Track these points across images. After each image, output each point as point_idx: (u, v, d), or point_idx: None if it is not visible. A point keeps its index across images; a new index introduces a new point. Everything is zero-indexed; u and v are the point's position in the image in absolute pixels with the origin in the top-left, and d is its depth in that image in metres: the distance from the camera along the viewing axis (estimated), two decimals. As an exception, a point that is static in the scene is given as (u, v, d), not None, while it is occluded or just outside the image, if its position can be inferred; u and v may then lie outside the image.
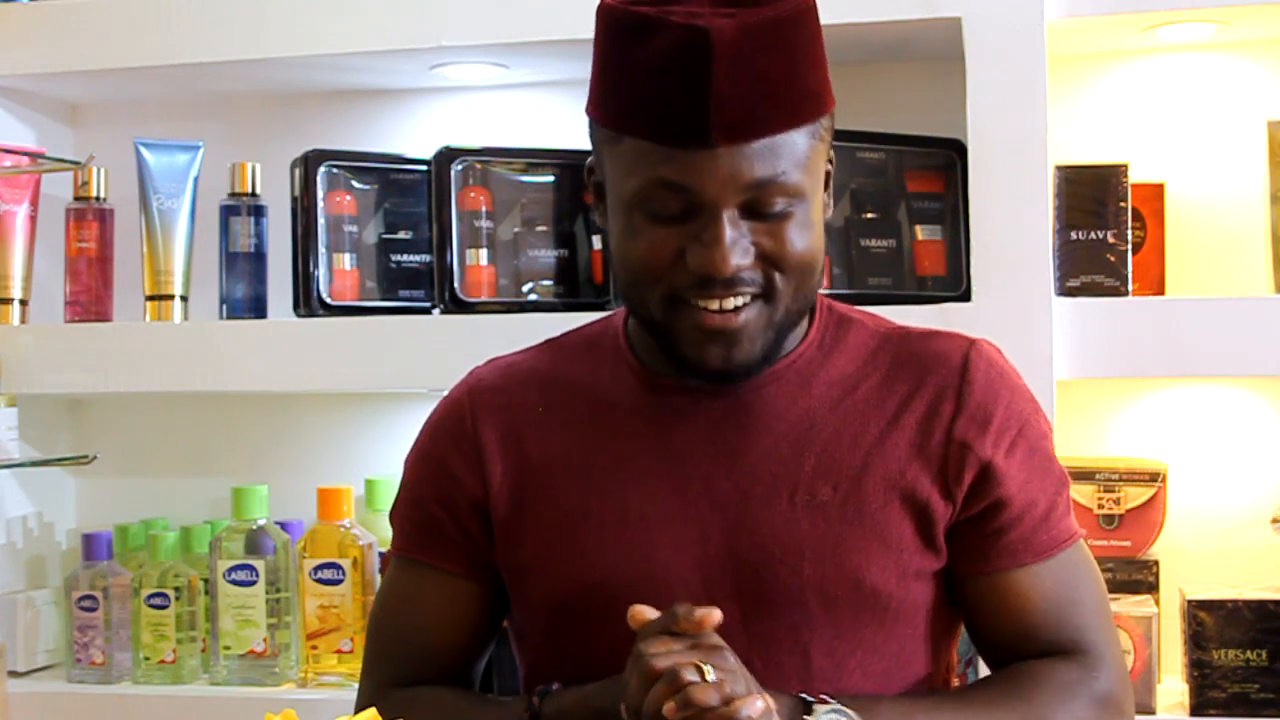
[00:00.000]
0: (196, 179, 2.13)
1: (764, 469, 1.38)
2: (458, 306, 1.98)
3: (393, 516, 1.52)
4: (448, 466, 1.46)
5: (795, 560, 1.35)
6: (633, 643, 1.26)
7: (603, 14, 1.35)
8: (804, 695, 1.30)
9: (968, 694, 1.42)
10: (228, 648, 2.05)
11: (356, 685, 1.99)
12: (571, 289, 2.03)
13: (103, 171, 2.17)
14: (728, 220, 1.29)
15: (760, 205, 1.30)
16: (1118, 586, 1.90)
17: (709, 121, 1.26)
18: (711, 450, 1.39)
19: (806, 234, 1.33)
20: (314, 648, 2.01)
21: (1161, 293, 1.97)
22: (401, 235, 2.07)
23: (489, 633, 1.50)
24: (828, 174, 1.38)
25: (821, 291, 1.86)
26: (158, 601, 2.07)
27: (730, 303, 1.32)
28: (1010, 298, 1.80)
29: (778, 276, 1.32)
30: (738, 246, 1.30)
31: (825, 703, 1.29)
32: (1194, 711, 1.81)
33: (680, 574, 1.37)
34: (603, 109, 1.35)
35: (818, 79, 1.33)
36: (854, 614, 1.36)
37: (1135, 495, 1.91)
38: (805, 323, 1.44)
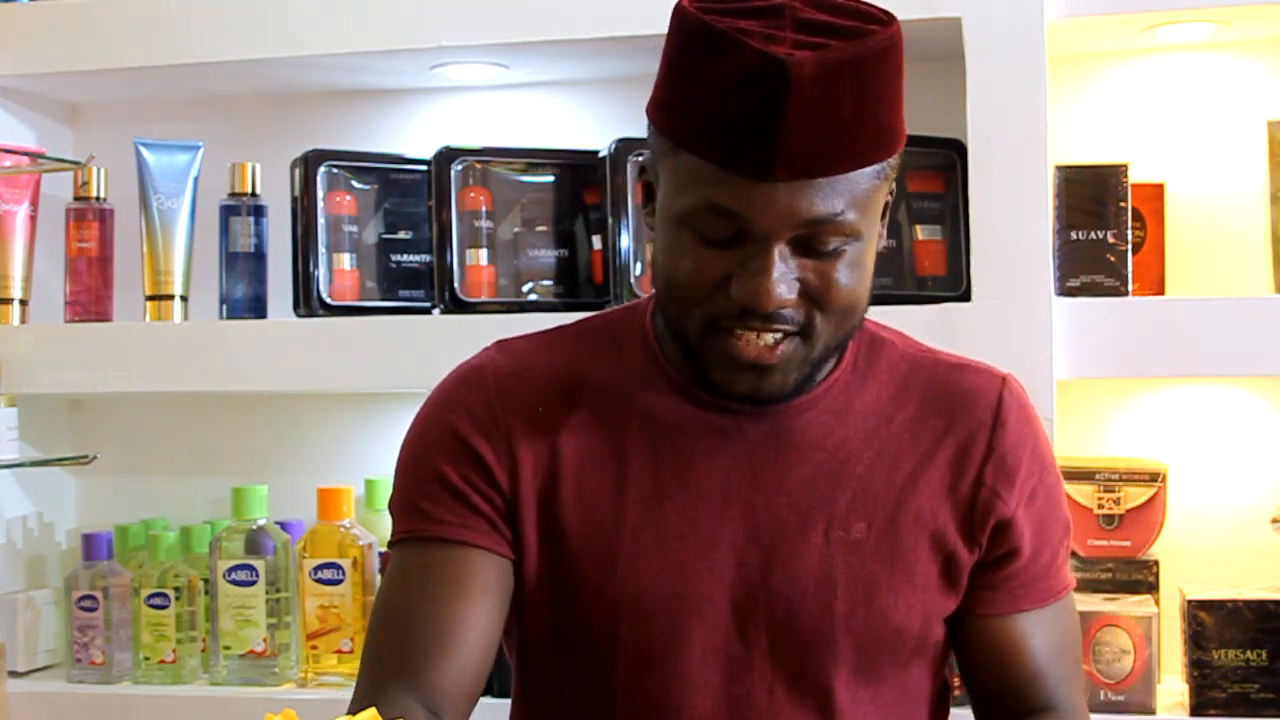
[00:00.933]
0: (196, 179, 2.13)
1: (801, 499, 1.35)
2: (458, 306, 1.98)
3: (393, 504, 1.40)
4: (470, 445, 1.36)
5: (828, 597, 1.33)
6: (660, 659, 1.23)
7: (676, 16, 1.26)
8: None
9: None
10: (228, 648, 2.05)
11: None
12: (571, 289, 2.03)
13: (103, 171, 2.17)
14: (778, 254, 1.23)
15: (813, 243, 1.24)
16: (1118, 586, 1.90)
17: (774, 156, 1.19)
18: (750, 476, 1.35)
19: (856, 274, 1.27)
20: (314, 648, 2.01)
21: (1161, 293, 1.97)
22: (401, 235, 2.07)
23: (498, 628, 1.38)
24: (886, 204, 1.31)
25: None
26: (158, 601, 2.07)
27: (768, 338, 1.27)
28: (1010, 298, 1.80)
29: (818, 316, 1.27)
30: (784, 282, 1.24)
31: None
32: (1194, 711, 1.81)
33: (712, 599, 1.34)
34: (663, 117, 1.27)
35: (892, 116, 1.25)
36: (878, 652, 1.35)
37: (1135, 495, 1.91)
38: None
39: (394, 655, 1.34)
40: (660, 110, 1.28)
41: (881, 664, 1.36)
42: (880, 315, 1.55)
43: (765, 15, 1.21)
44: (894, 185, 1.31)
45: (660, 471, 1.35)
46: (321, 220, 2.01)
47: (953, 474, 1.37)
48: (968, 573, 1.38)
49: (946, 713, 1.45)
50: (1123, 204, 1.86)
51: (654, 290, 1.35)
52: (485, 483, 1.35)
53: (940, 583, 1.37)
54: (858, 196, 1.23)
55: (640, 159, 1.39)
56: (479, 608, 1.33)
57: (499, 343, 1.43)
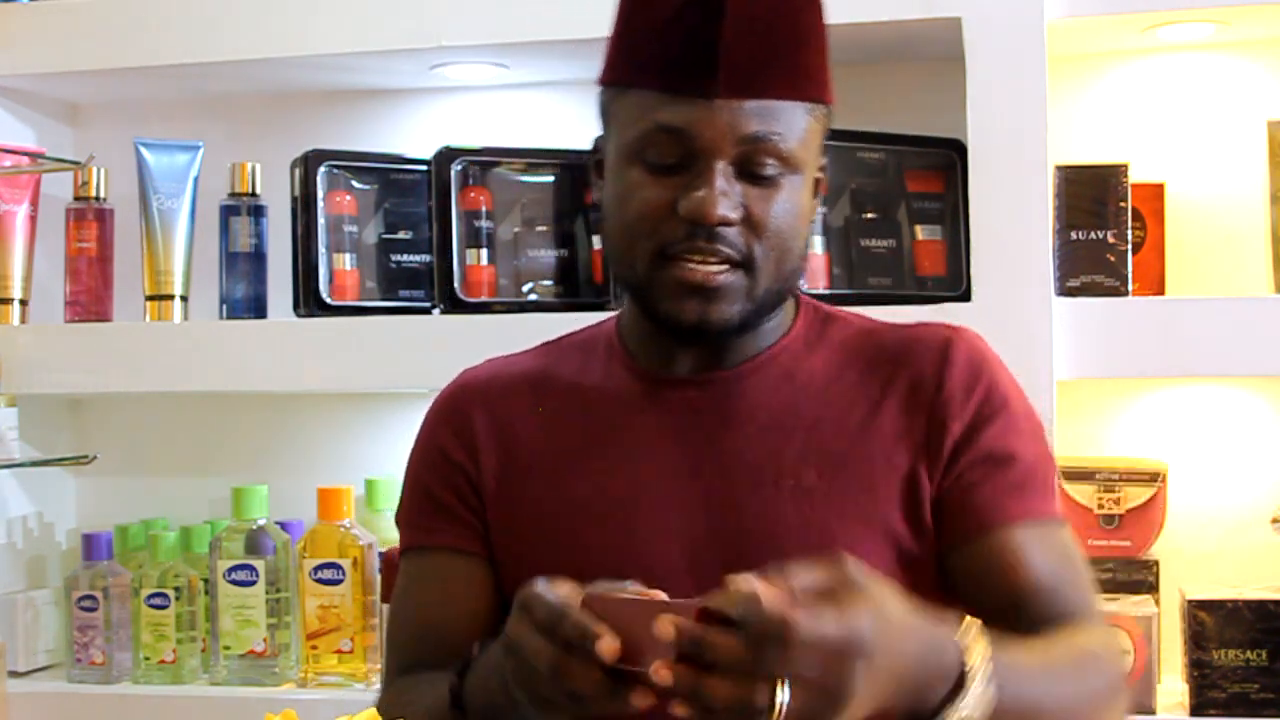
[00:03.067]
0: (196, 179, 2.13)
1: (748, 456, 1.40)
2: (458, 306, 1.98)
3: (399, 519, 1.55)
4: (445, 452, 1.50)
5: (782, 545, 1.35)
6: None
7: None
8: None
9: (1039, 644, 1.33)
10: (228, 648, 2.05)
11: (356, 685, 2.02)
12: (571, 289, 2.03)
13: (103, 171, 2.17)
14: (720, 172, 1.33)
15: (753, 164, 1.34)
16: (1118, 586, 1.90)
17: (716, 72, 1.32)
18: (695, 437, 1.42)
19: (792, 210, 1.37)
20: (314, 648, 2.01)
21: (1161, 293, 1.97)
22: (401, 235, 2.07)
23: (500, 611, 1.47)
24: (818, 180, 1.42)
25: (821, 291, 1.87)
26: (158, 601, 2.07)
27: (712, 265, 1.35)
28: (1010, 298, 1.80)
29: (758, 247, 1.35)
30: (727, 199, 1.33)
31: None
32: (1194, 711, 1.81)
33: (667, 560, 1.38)
34: (612, 68, 1.41)
35: (819, 65, 1.38)
36: None
37: (1135, 495, 1.91)
38: (790, 318, 1.47)
39: (398, 654, 1.52)
40: (611, 65, 1.41)
41: None
42: (880, 315, 1.55)
43: None
44: (825, 160, 1.43)
45: (605, 446, 1.44)
46: (321, 220, 2.01)
47: (904, 414, 1.40)
48: (931, 509, 1.38)
49: None
50: (1123, 204, 1.86)
51: (607, 253, 1.46)
52: (468, 488, 1.48)
53: (904, 523, 1.38)
54: (793, 128, 1.35)
55: (594, 141, 1.47)
56: (463, 604, 1.48)
57: (480, 365, 1.56)
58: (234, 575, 2.04)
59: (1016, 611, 1.38)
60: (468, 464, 1.49)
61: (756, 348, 1.45)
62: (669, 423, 1.43)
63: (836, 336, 1.47)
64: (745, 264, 1.36)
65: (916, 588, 1.38)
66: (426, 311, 2.05)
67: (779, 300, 1.42)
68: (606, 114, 1.43)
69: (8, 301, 2.14)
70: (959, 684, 1.16)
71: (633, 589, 1.20)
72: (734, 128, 1.33)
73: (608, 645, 1.13)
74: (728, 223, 1.34)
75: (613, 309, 1.92)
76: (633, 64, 1.38)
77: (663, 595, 1.18)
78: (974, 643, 1.18)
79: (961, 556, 1.40)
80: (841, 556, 1.14)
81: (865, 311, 1.54)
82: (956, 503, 1.39)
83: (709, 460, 1.41)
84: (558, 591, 1.17)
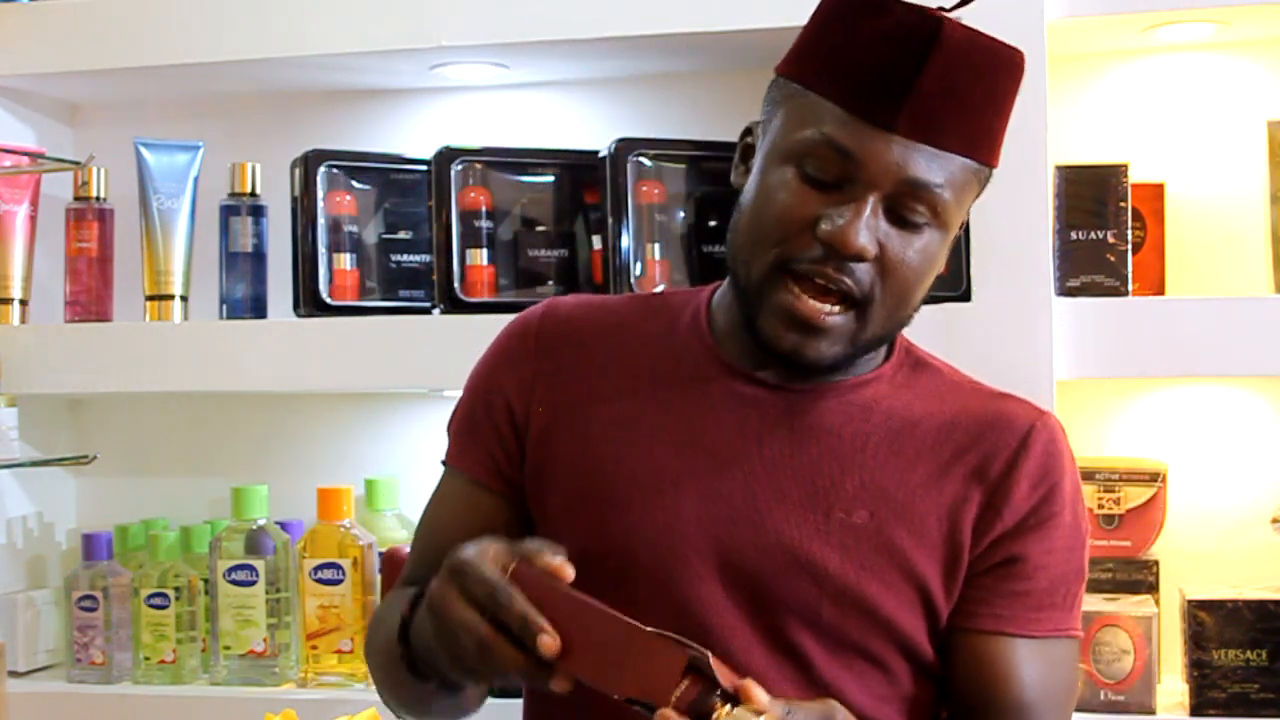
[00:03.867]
0: (196, 179, 2.13)
1: (805, 476, 1.37)
2: (458, 306, 1.97)
3: (449, 423, 1.53)
4: (498, 376, 1.48)
5: (817, 573, 1.34)
6: (645, 605, 1.25)
7: None
8: None
9: None
10: (228, 648, 2.05)
11: (356, 685, 2.02)
12: (571, 289, 2.03)
13: (103, 171, 2.17)
14: (872, 204, 1.30)
15: (905, 208, 1.31)
16: (1118, 586, 1.90)
17: (901, 108, 1.29)
18: (757, 443, 1.38)
19: (926, 262, 1.34)
20: (314, 648, 2.01)
21: (1161, 293, 1.97)
22: (401, 235, 2.07)
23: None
24: (957, 237, 1.40)
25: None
26: (158, 601, 2.07)
27: (826, 304, 1.32)
28: (1010, 298, 1.80)
29: (879, 289, 1.32)
30: (869, 233, 1.30)
31: None
32: (1194, 711, 1.81)
33: (700, 551, 1.36)
34: (801, 65, 1.35)
35: (999, 130, 1.36)
36: (862, 636, 1.35)
37: (1135, 495, 1.91)
38: (882, 355, 1.44)
39: (409, 564, 1.52)
40: (798, 60, 1.36)
41: (870, 648, 1.36)
42: (959, 369, 1.55)
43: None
44: (969, 217, 1.41)
45: (666, 423, 1.40)
46: (321, 220, 2.01)
47: (967, 486, 1.38)
48: (963, 583, 1.38)
49: None
50: (1123, 204, 1.86)
51: (729, 243, 1.40)
52: (509, 428, 1.45)
53: (940, 588, 1.37)
54: (955, 180, 1.32)
55: (750, 130, 1.43)
56: (474, 535, 1.39)
57: (568, 294, 1.53)
58: (234, 575, 2.04)
59: (993, 715, 1.39)
60: (514, 394, 1.45)
61: (844, 374, 1.41)
62: (734, 417, 1.39)
63: (925, 384, 1.44)
64: (862, 303, 1.33)
65: (934, 646, 1.39)
66: (426, 311, 2.05)
67: (879, 345, 1.40)
68: (775, 104, 1.37)
69: (8, 301, 2.14)
70: None
71: (558, 564, 1.20)
72: (902, 166, 1.30)
73: (549, 643, 1.15)
74: (863, 256, 1.30)
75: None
76: (823, 71, 1.33)
77: (598, 604, 1.18)
78: None
79: (961, 644, 1.39)
80: (833, 707, 1.20)
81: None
82: (975, 596, 1.38)
83: (763, 467, 1.38)
84: (489, 562, 1.18)
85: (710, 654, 1.15)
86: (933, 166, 1.30)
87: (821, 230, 1.30)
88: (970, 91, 1.31)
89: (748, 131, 1.42)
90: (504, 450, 1.46)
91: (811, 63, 1.34)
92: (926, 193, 1.31)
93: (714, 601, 1.35)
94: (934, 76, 1.29)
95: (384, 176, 2.06)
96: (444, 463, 1.52)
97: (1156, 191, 1.98)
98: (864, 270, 1.31)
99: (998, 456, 1.38)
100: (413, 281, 2.07)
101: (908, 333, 1.44)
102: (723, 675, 1.15)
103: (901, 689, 1.38)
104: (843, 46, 1.32)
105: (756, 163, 1.37)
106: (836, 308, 1.32)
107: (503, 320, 1.93)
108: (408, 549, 1.95)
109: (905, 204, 1.31)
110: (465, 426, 1.50)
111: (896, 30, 1.30)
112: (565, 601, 1.18)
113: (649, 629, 1.16)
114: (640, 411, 1.41)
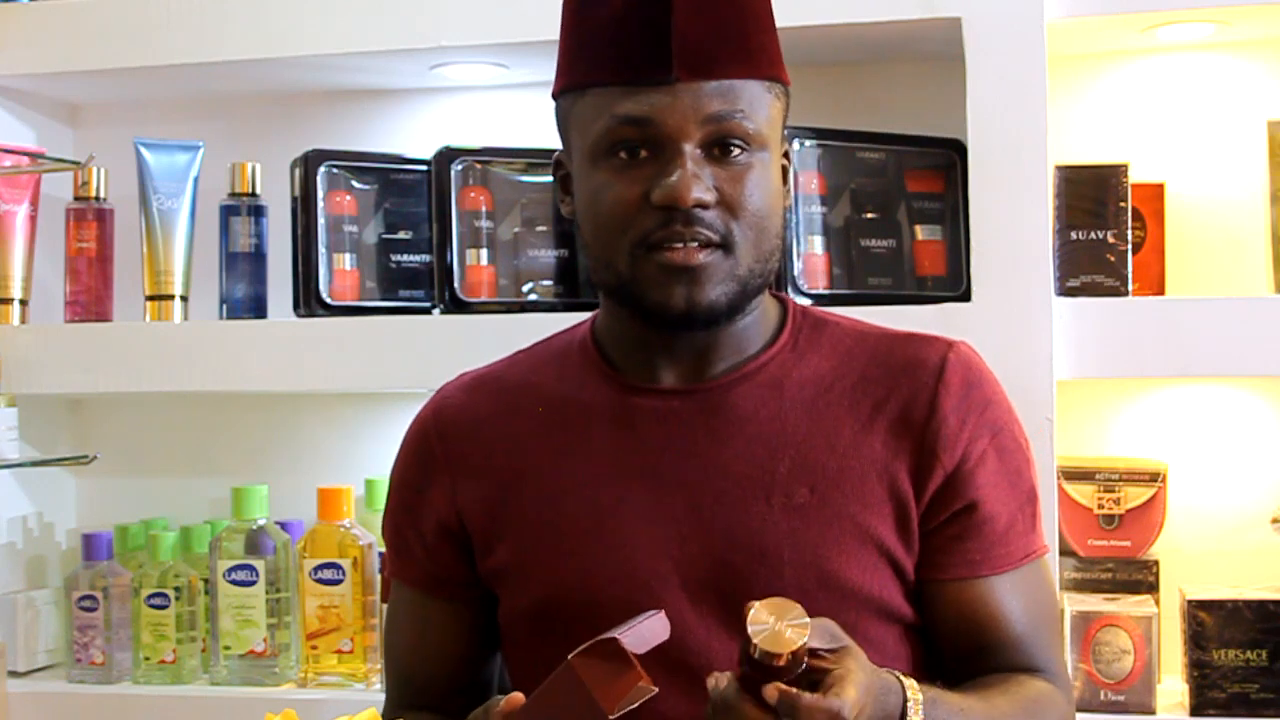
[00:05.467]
0: (196, 179, 2.13)
1: (737, 470, 1.39)
2: (458, 306, 1.98)
3: (382, 533, 1.59)
4: (416, 488, 1.51)
5: (776, 562, 1.36)
6: None
7: None
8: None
9: (984, 693, 1.39)
10: (228, 648, 2.05)
11: (356, 685, 2.02)
12: (571, 289, 2.03)
13: (103, 171, 2.17)
14: (689, 156, 1.34)
15: (720, 145, 1.35)
16: (1118, 586, 1.90)
17: (670, 56, 1.33)
18: (684, 451, 1.40)
19: (765, 189, 1.37)
20: (314, 648, 2.01)
21: (1161, 293, 1.97)
22: (401, 235, 2.07)
23: (475, 647, 1.52)
24: (784, 167, 1.43)
25: (821, 292, 1.87)
26: (158, 601, 2.07)
27: (692, 245, 1.34)
28: (1010, 298, 1.80)
29: (735, 226, 1.35)
30: (699, 181, 1.34)
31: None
32: (1194, 711, 1.81)
33: (659, 574, 1.38)
34: (567, 76, 1.41)
35: (771, 44, 1.40)
36: (836, 613, 1.35)
37: (1135, 495, 1.91)
38: (776, 325, 1.46)
39: (390, 684, 1.59)
40: (564, 71, 1.42)
41: (845, 625, 1.35)
42: (880, 315, 1.55)
43: None
44: (789, 145, 1.44)
45: (593, 461, 1.42)
46: (321, 220, 2.01)
47: (895, 436, 1.39)
48: (918, 531, 1.39)
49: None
50: (1123, 204, 1.86)
51: (586, 259, 1.44)
52: (430, 525, 1.49)
53: (897, 541, 1.38)
54: (755, 106, 1.36)
55: (557, 156, 1.49)
56: (435, 648, 1.53)
57: (456, 379, 1.55)
58: (234, 575, 2.04)
59: (986, 656, 1.41)
60: (439, 501, 1.49)
61: (742, 356, 1.43)
62: (653, 435, 1.41)
63: (827, 342, 1.45)
64: (724, 244, 1.36)
65: (908, 600, 1.39)
66: (426, 311, 2.05)
67: (762, 283, 1.41)
68: (565, 124, 1.43)
69: (8, 301, 2.14)
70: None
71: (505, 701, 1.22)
72: (697, 109, 1.34)
73: None
74: (703, 205, 1.34)
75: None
76: (586, 64, 1.38)
77: (536, 693, 1.18)
78: (911, 688, 1.25)
79: (940, 597, 1.41)
80: (827, 623, 1.21)
81: (865, 311, 1.54)
82: (940, 547, 1.40)
83: (697, 474, 1.39)
84: None
85: (613, 633, 1.16)
86: (726, 97, 1.34)
87: (655, 197, 1.34)
88: (723, 14, 1.35)
89: (558, 165, 1.47)
90: (434, 560, 1.50)
91: (575, 65, 1.40)
92: (731, 122, 1.34)
93: (682, 620, 1.35)
94: (684, 15, 1.33)
95: (384, 176, 2.06)
96: (390, 576, 1.58)
97: (1156, 191, 1.98)
98: (711, 216, 1.35)
99: (917, 399, 1.40)
100: (413, 281, 2.07)
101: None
102: (633, 646, 1.16)
103: (887, 653, 1.39)
104: (593, 31, 1.38)
105: (575, 182, 1.42)
106: (703, 251, 1.35)
107: (502, 320, 1.94)
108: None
109: (719, 142, 1.35)
110: (397, 541, 1.54)
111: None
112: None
113: (564, 663, 1.17)
114: (562, 461, 1.44)
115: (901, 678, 1.26)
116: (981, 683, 1.40)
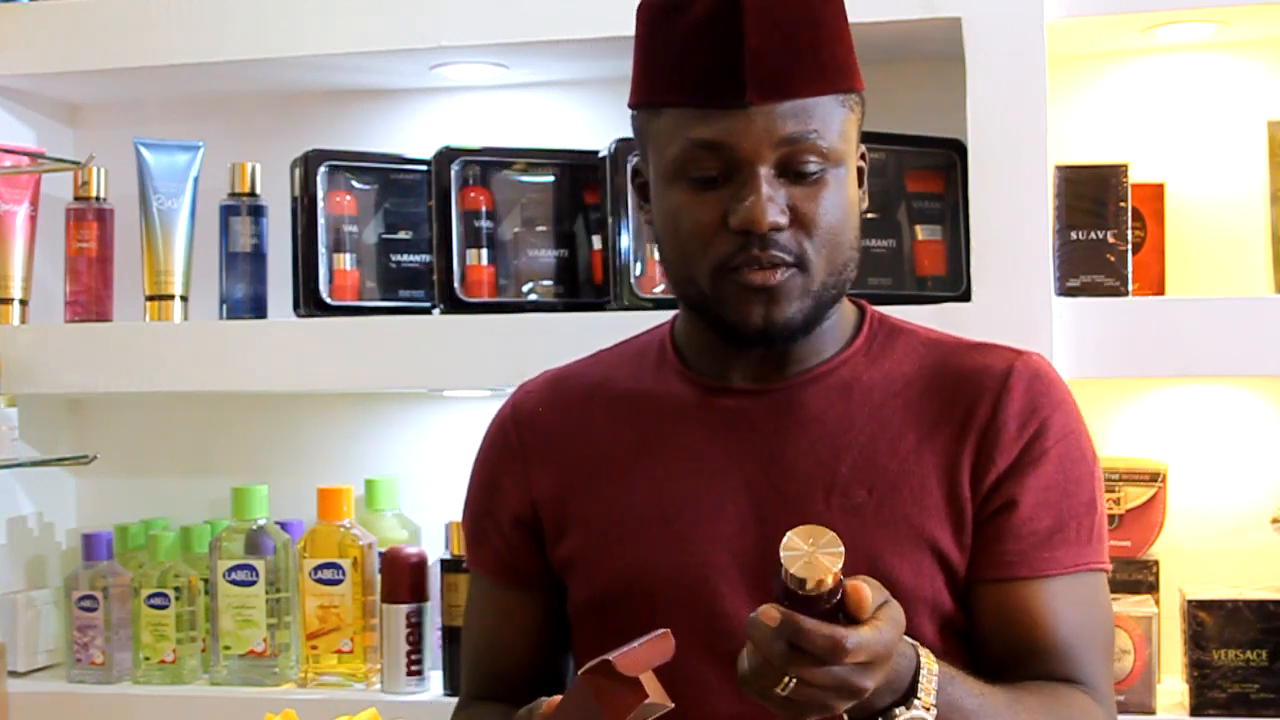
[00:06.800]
0: (196, 179, 2.13)
1: (802, 468, 1.41)
2: (458, 306, 1.97)
3: (461, 523, 1.63)
4: (494, 481, 1.55)
5: None
6: (678, 632, 1.25)
7: (641, 9, 1.43)
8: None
9: (1015, 690, 1.37)
10: (228, 648, 2.05)
11: (356, 685, 2.02)
12: (571, 289, 2.03)
13: (103, 171, 2.16)
14: (764, 178, 1.35)
15: (795, 165, 1.35)
16: (1118, 586, 1.90)
17: (743, 79, 1.33)
18: (750, 449, 1.43)
19: (839, 204, 1.38)
20: (314, 648, 2.01)
21: (1161, 293, 1.97)
22: (401, 235, 2.07)
23: (549, 638, 1.55)
24: (860, 170, 1.44)
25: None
26: (158, 601, 2.07)
27: (770, 269, 1.36)
28: (1010, 298, 1.80)
29: (809, 245, 1.37)
30: (774, 204, 1.35)
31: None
32: (1194, 711, 1.81)
33: (719, 567, 1.40)
34: (642, 92, 1.41)
35: (845, 54, 1.40)
36: None
37: (1135, 495, 1.91)
38: (852, 329, 1.48)
39: (465, 674, 1.61)
40: (640, 88, 1.42)
41: None
42: (935, 328, 1.55)
43: None
44: (865, 148, 1.44)
45: (664, 457, 1.45)
46: (321, 220, 2.01)
47: (958, 440, 1.40)
48: (971, 535, 1.39)
49: None
50: (1123, 204, 1.86)
51: (665, 272, 1.46)
52: (506, 516, 1.53)
53: (954, 545, 1.39)
54: (829, 122, 1.37)
55: (633, 162, 1.50)
56: (509, 636, 1.56)
57: (537, 375, 1.58)
58: (234, 575, 2.04)
59: (1028, 663, 1.39)
60: (514, 493, 1.52)
61: (816, 359, 1.45)
62: (723, 432, 1.44)
63: (900, 349, 1.47)
64: (799, 264, 1.37)
65: (963, 605, 1.39)
66: (426, 311, 2.05)
67: (837, 294, 1.43)
68: (642, 137, 1.44)
69: (8, 301, 2.14)
70: (910, 690, 1.23)
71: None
72: (770, 132, 1.34)
73: None
74: (778, 228, 1.35)
75: (612, 309, 1.92)
76: (661, 84, 1.39)
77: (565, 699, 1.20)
78: (927, 657, 1.25)
79: (988, 596, 1.40)
80: (870, 580, 1.20)
81: (894, 312, 1.54)
82: (980, 547, 1.40)
83: (761, 471, 1.42)
84: None
85: (610, 655, 1.15)
86: (799, 118, 1.35)
87: (733, 223, 1.35)
88: (796, 33, 1.35)
89: (635, 173, 1.48)
90: (511, 550, 1.53)
91: (651, 83, 1.40)
92: (805, 143, 1.35)
93: (737, 614, 1.37)
94: (757, 32, 1.33)
95: (384, 176, 2.06)
96: (468, 566, 1.61)
97: (1156, 191, 1.98)
98: (786, 237, 1.36)
99: (981, 404, 1.41)
100: (413, 281, 2.07)
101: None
102: (628, 667, 1.15)
103: (937, 655, 1.38)
104: (667, 54, 1.38)
105: (653, 195, 1.43)
106: (779, 271, 1.36)
107: (502, 320, 1.94)
108: (408, 549, 1.98)
109: (793, 162, 1.36)
110: (475, 531, 1.58)
111: (703, 13, 1.35)
112: None
113: (579, 678, 1.17)
114: (634, 455, 1.47)
115: (919, 648, 1.25)
116: (1016, 684, 1.38)
